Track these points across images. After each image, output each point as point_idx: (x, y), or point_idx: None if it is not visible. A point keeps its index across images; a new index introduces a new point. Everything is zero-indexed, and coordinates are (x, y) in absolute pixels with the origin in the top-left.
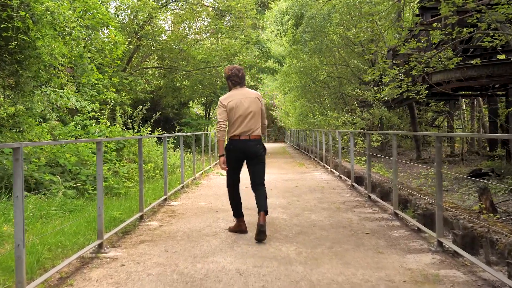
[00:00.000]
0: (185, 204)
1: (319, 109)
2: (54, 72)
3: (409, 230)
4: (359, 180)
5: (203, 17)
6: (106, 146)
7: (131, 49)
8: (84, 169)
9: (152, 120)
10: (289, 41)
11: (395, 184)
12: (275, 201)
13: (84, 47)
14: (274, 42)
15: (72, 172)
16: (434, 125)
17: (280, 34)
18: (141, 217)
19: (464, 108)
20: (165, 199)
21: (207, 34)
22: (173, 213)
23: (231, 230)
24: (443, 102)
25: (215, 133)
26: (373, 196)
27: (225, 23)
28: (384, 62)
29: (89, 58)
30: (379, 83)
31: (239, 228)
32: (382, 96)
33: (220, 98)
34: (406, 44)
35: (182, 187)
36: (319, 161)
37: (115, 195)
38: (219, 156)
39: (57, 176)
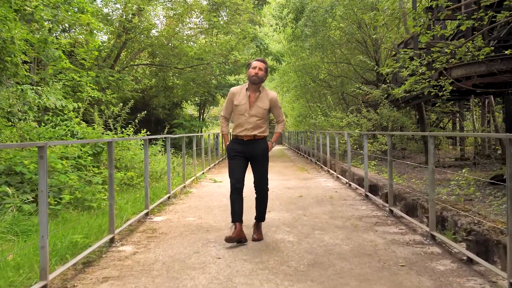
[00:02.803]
0: (170, 220)
1: (321, 109)
2: (12, 59)
3: (456, 261)
4: (372, 189)
5: (197, 11)
6: (80, 150)
7: (119, 43)
8: (48, 178)
9: (136, 121)
10: (288, 37)
11: (432, 199)
12: (277, 216)
13: (50, 30)
14: (272, 39)
15: (32, 182)
16: (439, 126)
17: (279, 29)
18: (112, 240)
19: (474, 108)
20: (147, 214)
21: (201, 31)
22: (153, 232)
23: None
24: (452, 102)
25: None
26: (396, 211)
27: (220, 18)
28: (404, 52)
29: (54, 42)
30: (389, 81)
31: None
32: (399, 92)
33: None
34: (428, 32)
35: (169, 197)
36: (322, 165)
37: (87, 209)
38: None
39: (8, 188)
